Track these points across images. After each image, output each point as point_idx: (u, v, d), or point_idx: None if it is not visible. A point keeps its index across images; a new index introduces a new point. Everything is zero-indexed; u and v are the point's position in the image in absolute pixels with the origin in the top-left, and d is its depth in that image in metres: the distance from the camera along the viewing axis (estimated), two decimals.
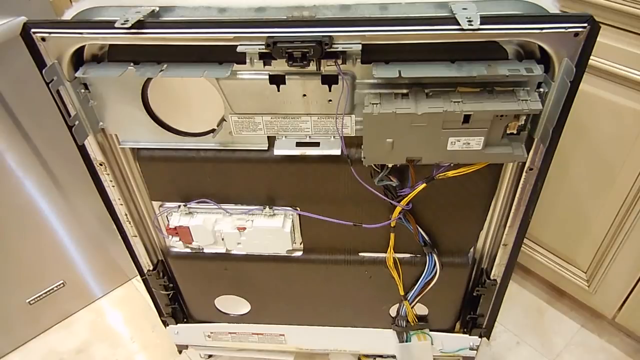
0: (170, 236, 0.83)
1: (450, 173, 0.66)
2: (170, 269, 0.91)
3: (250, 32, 0.54)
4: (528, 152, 0.62)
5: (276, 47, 0.53)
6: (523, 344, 1.17)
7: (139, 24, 0.55)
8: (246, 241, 0.79)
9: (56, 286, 1.22)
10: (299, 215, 0.78)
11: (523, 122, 0.59)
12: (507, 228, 0.73)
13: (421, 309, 0.92)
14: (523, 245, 0.78)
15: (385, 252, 0.81)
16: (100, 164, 0.71)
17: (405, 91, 0.59)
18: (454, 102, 0.56)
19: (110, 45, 0.60)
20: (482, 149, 0.59)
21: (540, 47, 0.54)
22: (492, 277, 0.82)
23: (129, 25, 0.54)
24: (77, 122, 0.64)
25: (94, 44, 0.60)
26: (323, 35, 0.53)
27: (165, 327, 1.02)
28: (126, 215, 0.78)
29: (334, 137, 0.68)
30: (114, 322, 1.29)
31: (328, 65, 0.58)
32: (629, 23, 0.76)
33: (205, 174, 0.74)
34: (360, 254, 0.84)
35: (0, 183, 1.00)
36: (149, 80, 0.64)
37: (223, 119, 0.67)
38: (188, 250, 0.86)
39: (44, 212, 1.10)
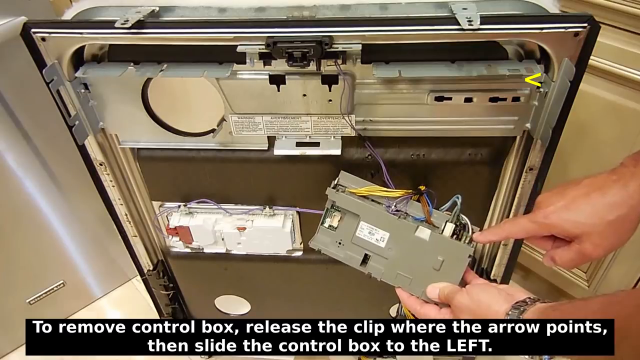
0: (170, 236, 0.83)
1: None
2: (170, 269, 0.91)
3: (250, 32, 0.54)
4: (528, 152, 0.62)
5: (276, 47, 0.53)
6: None
7: (139, 24, 0.54)
8: (246, 241, 0.79)
9: (56, 286, 1.22)
10: (299, 215, 0.78)
11: None
12: None
13: None
14: (523, 245, 0.78)
15: None
16: (100, 164, 0.71)
17: None
18: None
19: (110, 45, 0.60)
20: None
21: (540, 47, 0.54)
22: (492, 277, 0.82)
23: (129, 25, 0.54)
24: (77, 122, 0.64)
25: (94, 44, 0.60)
26: (323, 35, 0.53)
27: None
28: (126, 215, 0.78)
29: (333, 137, 0.67)
30: None
31: (328, 65, 0.58)
32: (629, 23, 0.76)
33: (205, 174, 0.74)
34: None
35: (0, 183, 1.00)
36: (149, 80, 0.64)
37: (223, 119, 0.67)
38: (188, 250, 0.86)
39: (44, 212, 1.10)
